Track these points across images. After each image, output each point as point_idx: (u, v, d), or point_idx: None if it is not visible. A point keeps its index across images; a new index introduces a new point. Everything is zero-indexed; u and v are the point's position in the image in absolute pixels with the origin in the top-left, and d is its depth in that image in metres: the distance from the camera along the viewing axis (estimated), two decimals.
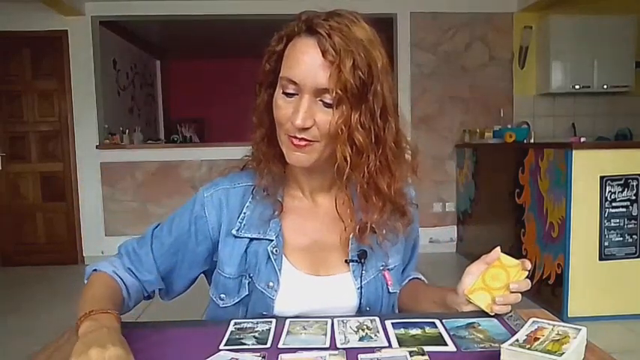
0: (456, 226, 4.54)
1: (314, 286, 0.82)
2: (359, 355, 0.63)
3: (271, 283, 0.81)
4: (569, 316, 2.71)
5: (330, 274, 0.84)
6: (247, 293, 0.82)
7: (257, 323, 0.75)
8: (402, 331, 0.71)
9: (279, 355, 0.63)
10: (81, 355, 0.56)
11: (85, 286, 0.80)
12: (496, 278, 0.79)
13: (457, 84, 4.49)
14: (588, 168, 2.69)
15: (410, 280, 0.99)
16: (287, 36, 0.76)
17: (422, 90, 4.49)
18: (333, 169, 0.77)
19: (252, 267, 0.82)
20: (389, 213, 0.82)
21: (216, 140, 6.22)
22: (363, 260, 0.83)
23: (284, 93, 0.74)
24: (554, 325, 0.64)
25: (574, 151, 2.66)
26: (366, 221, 0.80)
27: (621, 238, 2.72)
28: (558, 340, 0.60)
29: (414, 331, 0.71)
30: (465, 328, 0.72)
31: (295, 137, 0.74)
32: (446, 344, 0.67)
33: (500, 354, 0.59)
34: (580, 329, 0.62)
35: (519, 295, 0.77)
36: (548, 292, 2.86)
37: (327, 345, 0.66)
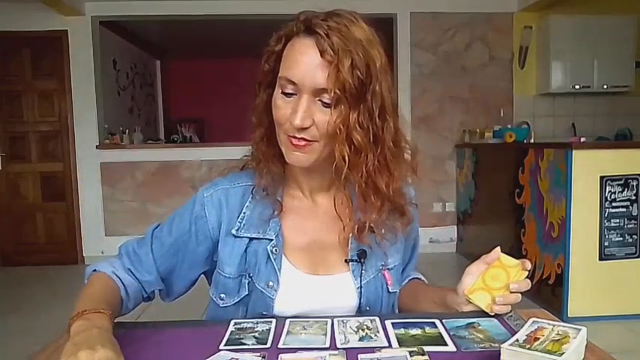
0: (456, 226, 4.54)
1: (314, 286, 0.82)
2: (359, 355, 0.63)
3: (271, 283, 0.81)
4: (569, 316, 2.71)
5: (329, 273, 0.84)
6: (247, 293, 0.82)
7: (257, 323, 0.75)
8: (402, 331, 0.71)
9: (279, 355, 0.63)
10: (70, 356, 0.56)
11: (84, 286, 0.79)
12: (496, 278, 0.79)
13: (457, 84, 4.49)
14: (588, 168, 2.69)
15: (410, 280, 0.99)
16: (286, 36, 0.76)
17: (422, 90, 4.49)
18: (332, 168, 0.77)
19: (251, 267, 0.82)
20: (388, 212, 0.82)
21: (216, 140, 6.22)
22: (362, 260, 0.83)
23: (283, 93, 0.75)
24: (554, 325, 0.64)
25: (574, 151, 2.66)
26: (364, 221, 0.80)
27: (621, 238, 2.72)
28: (558, 340, 0.60)
29: (414, 331, 0.71)
30: (465, 328, 0.72)
31: (294, 137, 0.74)
32: (446, 344, 0.66)
33: (500, 354, 0.59)
34: (580, 329, 0.62)
35: (519, 295, 0.77)
36: (548, 292, 2.86)
37: (327, 345, 0.66)
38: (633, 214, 2.71)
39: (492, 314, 0.76)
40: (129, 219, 4.41)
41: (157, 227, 0.88)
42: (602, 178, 2.68)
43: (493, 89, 4.51)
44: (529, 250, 3.13)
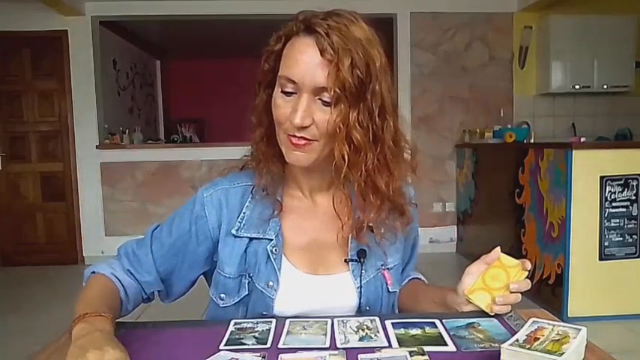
0: (456, 226, 4.54)
1: (313, 286, 0.82)
2: (359, 355, 0.63)
3: (271, 283, 0.81)
4: (569, 316, 2.71)
5: (329, 273, 0.84)
6: (247, 293, 0.82)
7: (257, 323, 0.75)
8: (402, 331, 0.71)
9: (279, 355, 0.63)
10: (78, 358, 0.55)
11: (83, 288, 0.79)
12: (496, 278, 0.79)
13: (457, 84, 4.49)
14: (588, 168, 2.69)
15: (410, 279, 0.99)
16: (285, 36, 0.76)
17: (422, 90, 4.49)
18: (332, 167, 0.77)
19: (251, 267, 0.82)
20: (387, 212, 0.82)
21: (216, 140, 6.22)
22: (362, 259, 0.83)
23: (283, 92, 0.75)
24: (554, 325, 0.64)
25: (574, 151, 2.66)
26: (363, 220, 0.80)
27: (621, 238, 2.72)
28: (558, 340, 0.60)
29: (414, 331, 0.71)
30: (465, 328, 0.72)
31: (294, 136, 0.74)
32: (446, 344, 0.66)
33: (500, 354, 0.59)
34: (580, 329, 0.62)
35: (519, 295, 0.77)
36: (548, 292, 2.86)
37: (327, 345, 0.66)
38: (633, 214, 2.71)
39: (492, 314, 0.76)
40: (129, 219, 4.41)
41: (156, 228, 0.88)
42: (602, 178, 2.68)
43: (493, 89, 4.51)
44: (529, 250, 3.13)
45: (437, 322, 0.74)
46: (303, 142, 0.74)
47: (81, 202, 4.43)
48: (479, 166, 4.05)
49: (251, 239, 0.83)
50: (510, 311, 0.77)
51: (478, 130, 4.20)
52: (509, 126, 4.24)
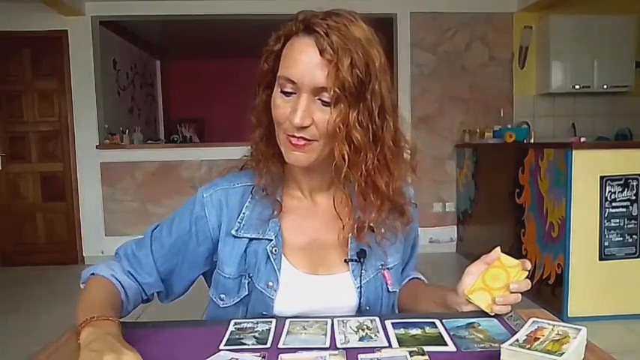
0: (456, 226, 4.54)
1: (313, 286, 0.82)
2: (359, 355, 0.63)
3: (271, 283, 0.81)
4: (569, 316, 2.71)
5: (329, 273, 0.84)
6: (247, 293, 0.82)
7: (257, 323, 0.75)
8: (402, 331, 0.71)
9: (279, 355, 0.63)
10: None
11: (83, 290, 0.79)
12: (496, 278, 0.79)
13: (457, 84, 4.49)
14: (588, 168, 2.69)
15: (409, 279, 0.99)
16: (285, 35, 0.76)
17: (422, 90, 4.49)
18: (332, 167, 0.77)
19: (251, 267, 0.82)
20: (387, 212, 0.82)
21: (216, 140, 6.22)
22: (362, 259, 0.83)
23: (282, 92, 0.74)
24: (554, 325, 0.64)
25: (574, 151, 2.66)
26: (364, 220, 0.80)
27: (621, 238, 2.72)
28: (558, 340, 0.60)
29: (414, 331, 0.71)
30: (465, 328, 0.72)
31: (294, 136, 0.74)
32: (446, 344, 0.66)
33: (500, 354, 0.59)
34: (580, 329, 0.62)
35: (519, 295, 0.77)
36: (548, 292, 2.86)
37: (327, 345, 0.66)
38: (633, 214, 2.71)
39: (492, 314, 0.76)
40: (129, 219, 4.41)
41: (155, 228, 0.88)
42: (602, 178, 2.68)
43: (493, 89, 4.51)
44: (529, 250, 3.13)
45: (437, 322, 0.74)
46: (302, 142, 0.74)
47: (81, 202, 4.43)
48: (479, 166, 4.05)
49: (251, 239, 0.83)
50: (510, 311, 0.77)
51: (478, 130, 4.20)
52: (509, 126, 4.24)
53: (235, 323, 0.75)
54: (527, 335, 0.62)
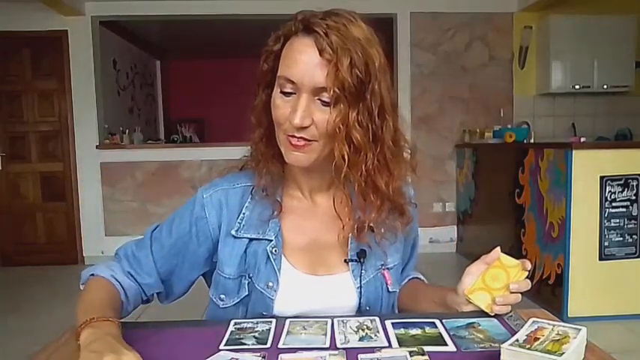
0: (456, 226, 4.54)
1: (313, 286, 0.82)
2: (359, 355, 0.63)
3: (270, 283, 0.81)
4: (569, 316, 2.71)
5: (329, 273, 0.84)
6: (247, 293, 0.82)
7: (257, 323, 0.75)
8: (402, 331, 0.71)
9: (279, 355, 0.63)
10: None
11: (83, 291, 0.79)
12: (496, 278, 0.79)
13: (457, 84, 4.49)
14: (588, 168, 2.68)
15: (409, 279, 0.99)
16: (284, 36, 0.76)
17: (422, 90, 4.49)
18: (332, 168, 0.77)
19: (251, 267, 0.82)
20: (387, 212, 0.81)
21: (216, 140, 6.22)
22: (362, 259, 0.83)
23: (282, 92, 0.74)
24: (554, 325, 0.64)
25: (574, 151, 2.66)
26: (364, 220, 0.80)
27: (621, 238, 2.72)
28: (558, 340, 0.60)
29: (414, 331, 0.71)
30: (465, 328, 0.72)
31: (294, 137, 0.74)
32: (446, 344, 0.66)
33: (500, 354, 0.59)
34: (580, 329, 0.62)
35: (519, 295, 0.77)
36: (548, 292, 2.86)
37: (327, 345, 0.66)
38: (633, 214, 2.71)
39: (492, 314, 0.76)
40: (129, 219, 4.41)
41: (155, 229, 0.87)
42: (602, 178, 2.68)
43: (493, 89, 4.51)
44: (529, 250, 3.13)
45: (437, 322, 0.74)
46: (302, 142, 0.74)
47: (81, 202, 4.43)
48: (479, 166, 4.05)
49: (251, 240, 0.83)
50: (510, 311, 0.77)
51: (478, 130, 4.20)
52: (509, 126, 4.24)
53: (235, 323, 0.75)
54: (527, 335, 0.62)
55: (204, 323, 0.82)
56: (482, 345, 0.66)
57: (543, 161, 2.93)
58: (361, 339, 0.68)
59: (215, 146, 4.45)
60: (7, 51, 4.30)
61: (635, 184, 2.69)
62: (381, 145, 0.76)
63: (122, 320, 0.71)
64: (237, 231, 0.83)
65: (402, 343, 0.67)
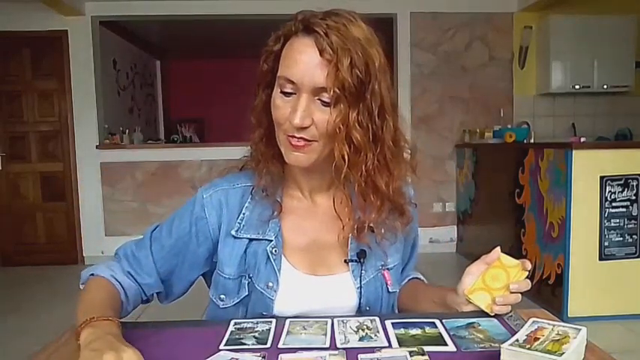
0: (456, 226, 4.54)
1: (313, 286, 0.82)
2: (359, 355, 0.63)
3: (270, 284, 0.81)
4: (569, 316, 2.71)
5: (329, 273, 0.84)
6: (247, 294, 0.82)
7: (257, 323, 0.75)
8: (402, 331, 0.71)
9: (279, 355, 0.63)
10: (95, 359, 0.55)
11: (83, 291, 0.79)
12: (496, 278, 0.79)
13: (457, 84, 4.49)
14: (588, 168, 2.68)
15: (409, 279, 0.99)
16: (284, 36, 0.76)
17: (422, 90, 4.49)
18: (332, 168, 0.77)
19: (251, 267, 0.82)
20: (387, 212, 0.81)
21: (216, 140, 6.21)
22: (362, 260, 0.83)
23: (282, 92, 0.74)
24: (554, 325, 0.64)
25: (574, 151, 2.66)
26: (364, 220, 0.80)
27: (621, 238, 2.72)
28: (558, 340, 0.60)
29: (414, 331, 0.71)
30: (465, 328, 0.72)
31: (294, 137, 0.74)
32: (446, 344, 0.66)
33: (500, 354, 0.59)
34: (580, 329, 0.62)
35: (519, 295, 0.77)
36: (548, 292, 2.86)
37: (327, 345, 0.66)
38: (633, 214, 2.71)
39: (492, 314, 0.76)
40: (129, 219, 4.41)
41: (155, 229, 0.87)
42: (602, 178, 2.68)
43: (493, 89, 4.51)
44: (529, 250, 3.13)
45: (437, 322, 0.74)
46: (302, 142, 0.74)
47: (81, 202, 4.43)
48: (479, 166, 4.05)
49: (251, 240, 0.83)
50: (510, 311, 0.77)
51: (478, 130, 4.20)
52: (509, 126, 4.24)
53: (235, 323, 0.75)
54: (527, 335, 0.62)
55: (204, 323, 0.82)
56: (483, 345, 0.66)
57: (543, 161, 2.93)
58: (361, 339, 0.68)
59: (215, 146, 4.45)
60: (7, 51, 4.30)
61: (635, 184, 2.69)
62: (381, 145, 0.76)
63: (122, 320, 0.71)
64: (237, 231, 0.83)
65: (402, 343, 0.67)
